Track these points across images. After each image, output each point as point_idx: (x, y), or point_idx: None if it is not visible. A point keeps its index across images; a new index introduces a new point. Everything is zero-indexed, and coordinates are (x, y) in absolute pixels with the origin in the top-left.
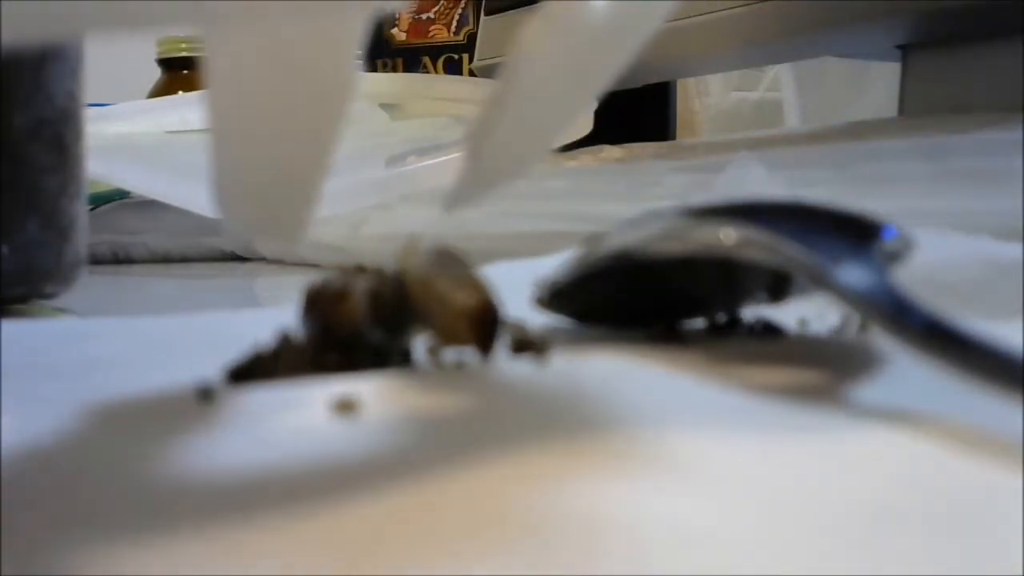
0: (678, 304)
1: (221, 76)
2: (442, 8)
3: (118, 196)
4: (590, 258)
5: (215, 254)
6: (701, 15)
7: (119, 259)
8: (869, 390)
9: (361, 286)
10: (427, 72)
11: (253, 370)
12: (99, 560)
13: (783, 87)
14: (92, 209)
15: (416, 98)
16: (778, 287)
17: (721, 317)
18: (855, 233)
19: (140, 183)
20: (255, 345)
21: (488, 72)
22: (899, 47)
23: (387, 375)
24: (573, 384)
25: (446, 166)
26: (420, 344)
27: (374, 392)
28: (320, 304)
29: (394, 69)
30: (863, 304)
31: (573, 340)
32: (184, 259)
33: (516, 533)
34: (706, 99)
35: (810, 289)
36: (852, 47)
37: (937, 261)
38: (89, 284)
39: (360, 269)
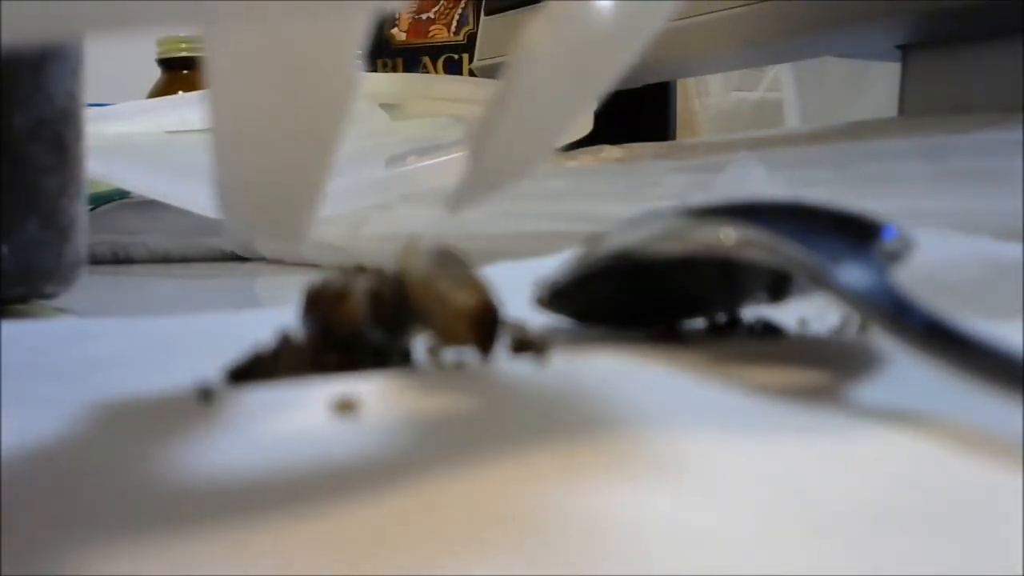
0: (678, 304)
1: (222, 76)
2: (442, 8)
3: (118, 196)
4: (590, 258)
5: (215, 254)
6: (701, 15)
7: (119, 259)
8: (869, 390)
9: (361, 286)
10: (427, 72)
11: (253, 370)
12: (99, 560)
13: (783, 87)
14: (92, 209)
15: (416, 98)
16: (778, 287)
17: (721, 317)
18: (855, 233)
19: (140, 183)
20: (255, 345)
21: (488, 72)
22: (899, 47)
23: (387, 375)
24: (573, 384)
25: (446, 166)
26: (420, 344)
27: (374, 392)
28: (320, 304)
29: (394, 69)
30: (863, 304)
31: (573, 340)
32: (184, 259)
33: (516, 533)
34: (706, 99)
35: (810, 289)
36: (852, 47)
37: (937, 261)
38: (89, 284)
39: (360, 269)
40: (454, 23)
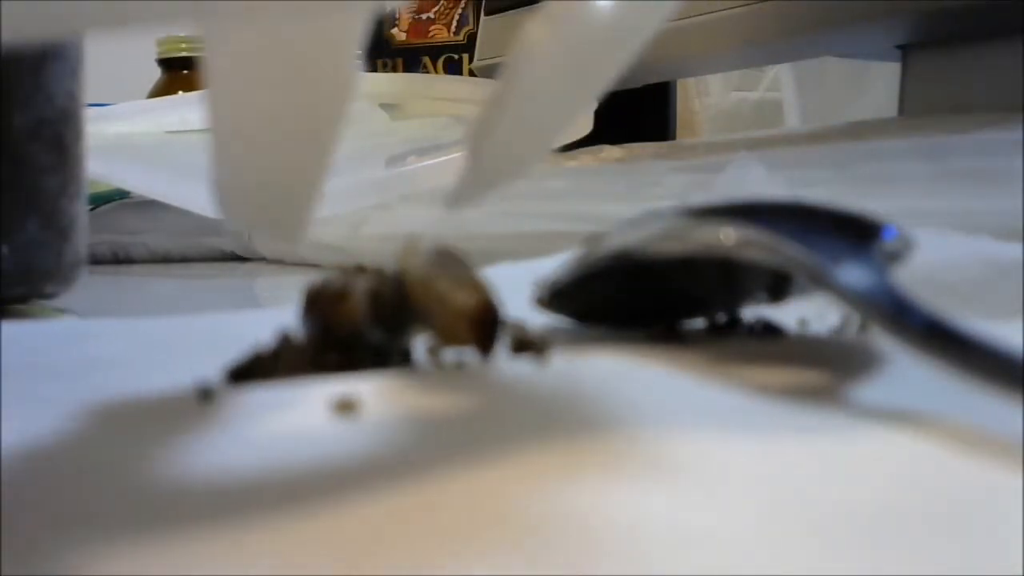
0: (678, 304)
1: (221, 75)
2: (442, 8)
3: (118, 196)
4: (590, 258)
5: (215, 254)
6: (701, 15)
7: (119, 259)
8: (869, 390)
9: (361, 286)
10: (427, 72)
11: (253, 370)
12: (99, 560)
13: (783, 87)
14: (92, 209)
15: (416, 98)
16: (778, 287)
17: (721, 317)
18: (855, 233)
19: (140, 183)
20: (255, 345)
21: (488, 72)
22: (899, 47)
23: (387, 375)
24: (573, 384)
25: (446, 166)
26: (420, 344)
27: (374, 392)
28: (320, 304)
29: (394, 69)
30: (863, 304)
31: (573, 340)
32: (184, 259)
33: (515, 533)
34: (706, 99)
35: (810, 289)
36: (852, 47)
37: (937, 261)
38: (89, 284)
39: (360, 269)
40: (454, 23)
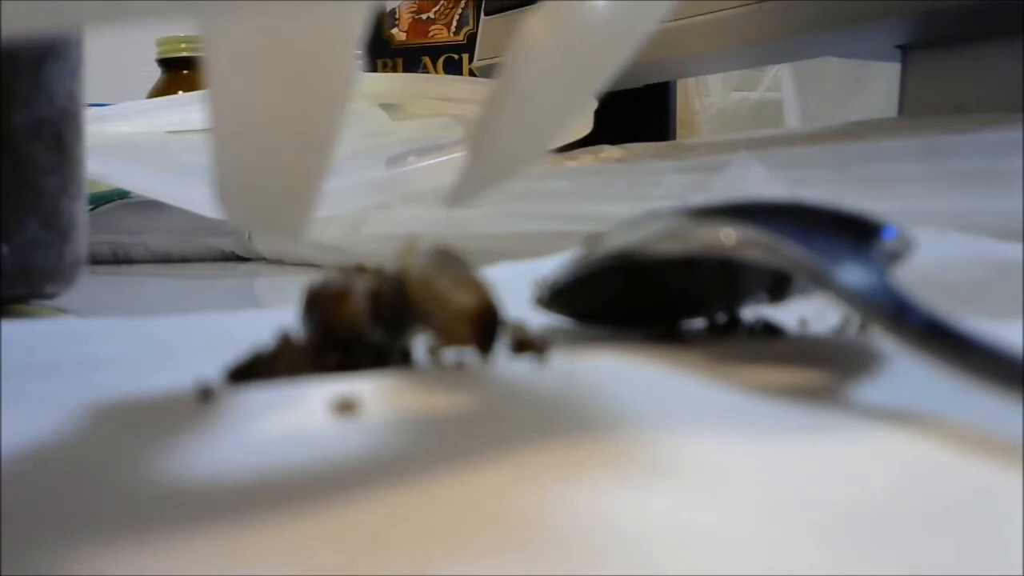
0: (678, 304)
1: (221, 71)
2: (442, 8)
3: (118, 196)
4: (590, 258)
5: (215, 254)
6: (701, 15)
7: (119, 259)
8: (869, 390)
9: (361, 286)
10: (427, 72)
11: (253, 370)
12: (99, 560)
13: (783, 87)
14: (92, 209)
15: (416, 98)
16: (778, 287)
17: (721, 317)
18: (855, 233)
19: (140, 183)
20: (255, 345)
21: (488, 72)
22: (899, 47)
23: (387, 375)
24: (573, 384)
25: (446, 166)
26: (420, 344)
27: (374, 392)
28: (320, 304)
29: (394, 69)
30: (863, 304)
31: (573, 340)
32: (184, 259)
33: (514, 533)
34: (706, 99)
35: (810, 289)
36: (852, 47)
37: (937, 261)
38: (89, 284)
39: (360, 269)
40: (454, 23)
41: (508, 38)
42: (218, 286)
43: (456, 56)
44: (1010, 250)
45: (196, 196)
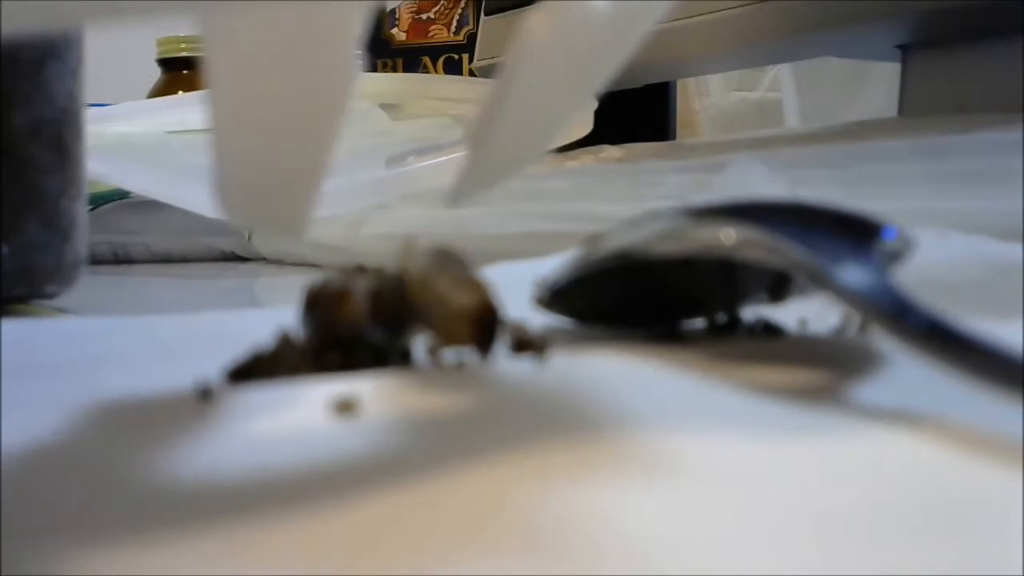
0: (678, 304)
1: (221, 69)
2: (442, 8)
3: (118, 196)
4: (590, 258)
5: (215, 254)
6: (701, 15)
7: (119, 259)
8: (869, 390)
9: (361, 286)
10: (427, 72)
11: (253, 370)
12: (99, 560)
13: (783, 87)
14: (92, 209)
15: (416, 98)
16: (778, 287)
17: (721, 317)
18: (855, 233)
19: (140, 183)
20: (255, 345)
21: (488, 72)
22: (899, 47)
23: (386, 375)
24: (572, 384)
25: (446, 166)
26: (420, 344)
27: (373, 392)
28: (320, 304)
29: (394, 69)
30: (863, 304)
31: (573, 340)
32: (184, 259)
33: (514, 533)
34: (706, 99)
35: (810, 289)
36: (852, 47)
37: (937, 261)
38: (89, 284)
39: (360, 269)
40: (454, 23)
41: (508, 38)
42: (218, 286)
43: (456, 56)
44: (1010, 250)
45: (196, 196)
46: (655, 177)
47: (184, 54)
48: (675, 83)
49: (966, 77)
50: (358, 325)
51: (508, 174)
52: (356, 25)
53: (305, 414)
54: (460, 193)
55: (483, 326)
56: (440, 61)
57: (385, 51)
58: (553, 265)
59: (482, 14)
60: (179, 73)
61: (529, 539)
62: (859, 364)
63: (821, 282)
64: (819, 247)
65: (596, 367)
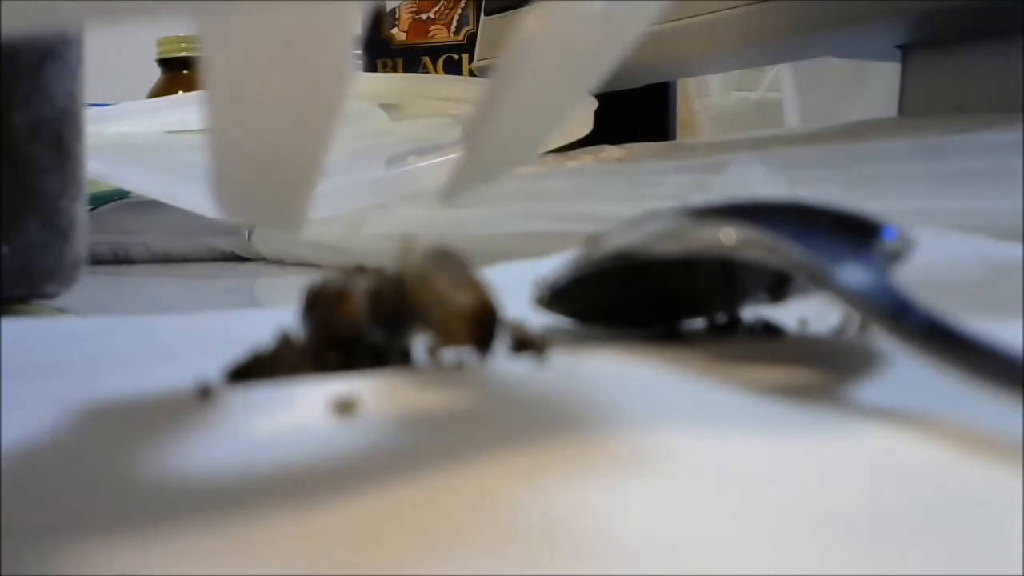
0: (678, 304)
1: (218, 66)
2: (442, 8)
3: (118, 196)
4: (590, 258)
5: (215, 254)
6: (701, 15)
7: (119, 259)
8: (869, 390)
9: (361, 286)
10: (427, 72)
11: (253, 370)
12: (98, 560)
13: (783, 87)
14: (92, 209)
15: (416, 98)
16: (778, 287)
17: (721, 317)
18: (855, 233)
19: (140, 183)
20: (255, 345)
21: (488, 72)
22: (899, 47)
23: (386, 374)
24: (572, 384)
25: (446, 166)
26: (420, 344)
27: (373, 391)
28: (320, 304)
29: (394, 69)
30: (863, 304)
31: (573, 340)
32: (184, 259)
33: (512, 532)
34: (706, 99)
35: (810, 289)
36: (852, 47)
37: (937, 261)
38: (89, 284)
39: (360, 269)
40: (454, 23)
41: (508, 38)
42: (218, 286)
43: (456, 56)
44: (1010, 250)
45: (196, 196)
46: (655, 177)
47: (184, 54)
48: (675, 83)
49: (966, 77)
50: (358, 325)
51: (503, 172)
52: (353, 24)
53: (304, 413)
54: (454, 190)
55: (482, 326)
56: (440, 61)
57: (385, 51)
58: (553, 265)
59: (482, 14)
60: (179, 73)
61: (526, 538)
62: (859, 364)
63: (821, 282)
64: (819, 247)
65: (595, 367)
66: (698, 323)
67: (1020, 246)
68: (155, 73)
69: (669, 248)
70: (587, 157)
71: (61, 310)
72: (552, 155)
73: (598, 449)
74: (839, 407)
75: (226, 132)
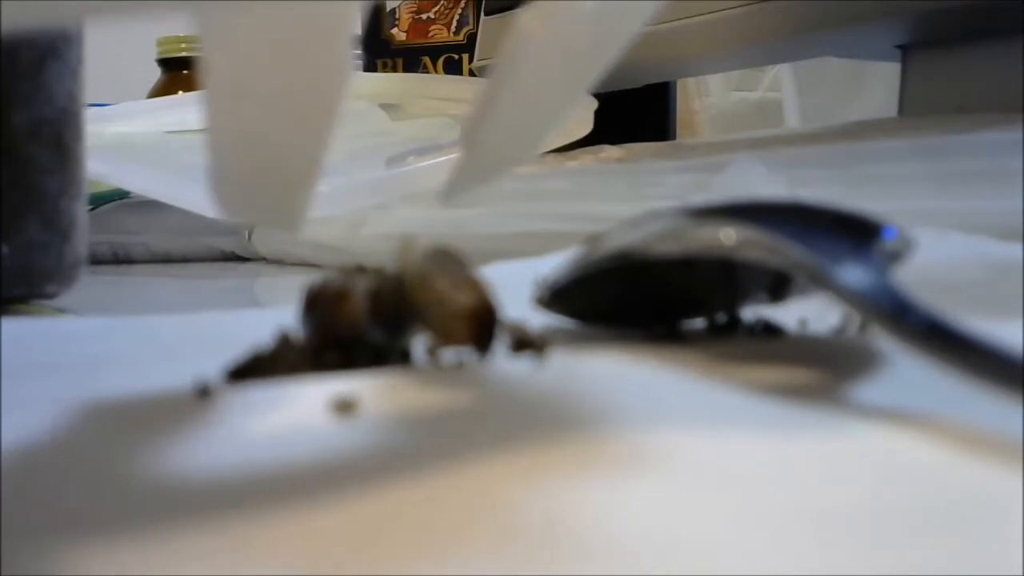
0: (678, 304)
1: (216, 63)
2: (442, 8)
3: (118, 196)
4: (590, 258)
5: (215, 254)
6: (701, 15)
7: (119, 259)
8: (869, 390)
9: (361, 286)
10: (427, 72)
11: (253, 370)
12: (98, 559)
13: (783, 87)
14: (92, 209)
15: (416, 98)
16: (778, 287)
17: (721, 317)
18: (855, 233)
19: (140, 183)
20: (255, 345)
21: (487, 72)
22: (899, 47)
23: (385, 374)
24: (571, 384)
25: (446, 166)
26: (419, 344)
27: (372, 391)
28: (320, 304)
29: (394, 69)
30: (863, 304)
31: (573, 340)
32: (184, 259)
33: (511, 532)
34: (706, 99)
35: (810, 289)
36: (852, 47)
37: (937, 261)
38: (89, 284)
39: (360, 269)
40: (454, 23)
41: (506, 38)
42: (218, 286)
43: (456, 56)
44: (1010, 250)
45: (196, 196)
46: (655, 177)
47: (184, 54)
48: (675, 83)
49: (966, 77)
50: (358, 325)
51: (501, 171)
52: (351, 23)
53: (304, 412)
54: (454, 190)
55: (482, 326)
56: (440, 61)
57: (385, 51)
58: (553, 265)
59: (482, 14)
60: (179, 73)
61: (525, 538)
62: (859, 364)
63: (821, 282)
64: (819, 247)
65: (595, 367)
66: (698, 323)
67: (1020, 246)
68: (155, 73)
69: (669, 248)
70: (587, 157)
71: (61, 310)
72: (552, 155)
73: (598, 449)
74: (839, 407)
75: (225, 131)
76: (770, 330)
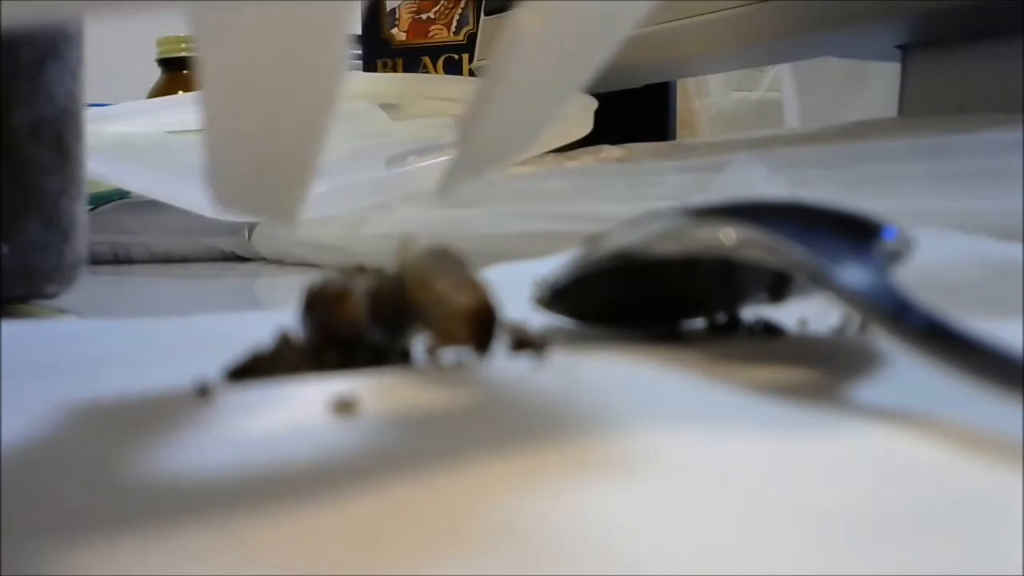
0: (678, 304)
1: (213, 60)
2: (442, 8)
3: (118, 196)
4: (590, 258)
5: (215, 254)
6: (701, 15)
7: (119, 259)
8: (869, 390)
9: (361, 286)
10: (427, 72)
11: (252, 370)
12: (98, 559)
13: (783, 87)
14: (92, 209)
15: (416, 98)
16: (778, 287)
17: (721, 317)
18: (855, 233)
19: (140, 183)
20: (255, 345)
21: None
22: (899, 47)
23: (385, 374)
24: (571, 384)
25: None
26: (419, 344)
27: (372, 391)
28: (320, 304)
29: (394, 69)
30: (863, 304)
31: (573, 340)
32: (184, 259)
33: (510, 532)
34: (706, 99)
35: (810, 289)
36: (852, 47)
37: (937, 261)
38: (89, 284)
39: (360, 269)
40: (454, 23)
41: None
42: (218, 286)
43: (456, 56)
44: (1010, 250)
45: (196, 196)
46: (655, 177)
47: (184, 54)
48: (675, 83)
49: (966, 77)
50: (358, 325)
51: (495, 165)
52: (347, 20)
53: (303, 412)
54: (448, 184)
55: (481, 326)
56: (440, 61)
57: (385, 51)
58: (553, 265)
59: (482, 14)
60: (179, 73)
61: (523, 537)
62: (859, 364)
63: (821, 282)
64: (819, 247)
65: (595, 367)
66: (698, 323)
67: (1020, 246)
68: (155, 73)
69: (669, 248)
70: (587, 157)
71: (61, 310)
72: (552, 155)
73: (598, 449)
74: (839, 407)
75: (221, 128)
76: (770, 330)
